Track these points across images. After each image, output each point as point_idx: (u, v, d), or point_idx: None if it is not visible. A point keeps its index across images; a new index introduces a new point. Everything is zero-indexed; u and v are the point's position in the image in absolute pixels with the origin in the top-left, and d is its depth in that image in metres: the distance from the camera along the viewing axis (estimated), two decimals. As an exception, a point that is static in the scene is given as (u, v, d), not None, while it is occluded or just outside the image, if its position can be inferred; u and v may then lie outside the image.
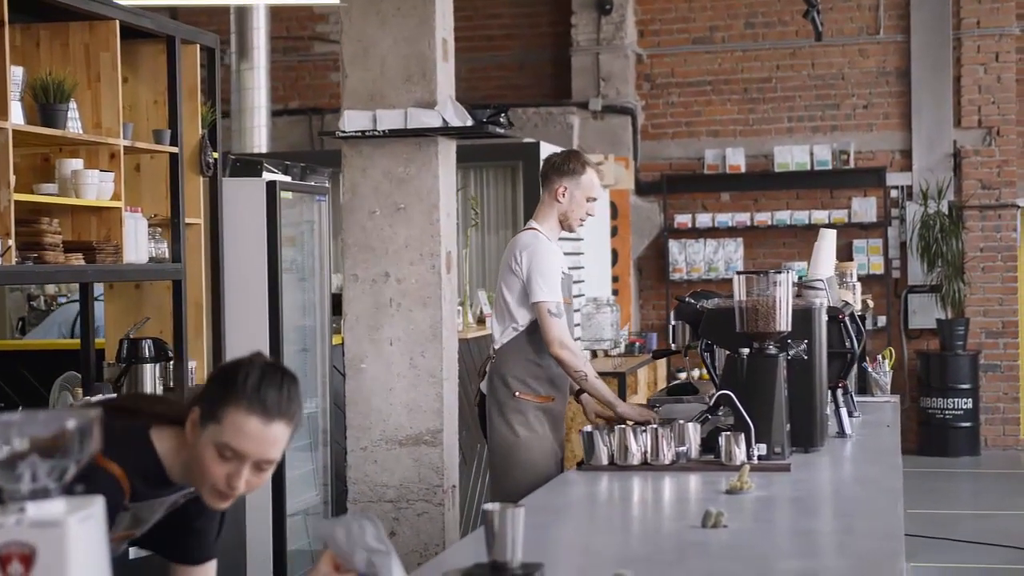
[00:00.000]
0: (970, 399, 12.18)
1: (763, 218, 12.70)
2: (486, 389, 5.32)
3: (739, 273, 4.45)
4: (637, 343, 10.78)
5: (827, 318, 4.77)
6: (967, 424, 12.20)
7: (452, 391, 5.98)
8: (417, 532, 5.75)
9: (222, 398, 2.57)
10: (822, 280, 5.12)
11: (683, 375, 12.09)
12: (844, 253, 12.33)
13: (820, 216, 12.51)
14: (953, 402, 12.16)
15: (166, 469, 2.66)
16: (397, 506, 5.80)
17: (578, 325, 9.70)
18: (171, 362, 5.49)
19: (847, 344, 4.99)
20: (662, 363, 10.92)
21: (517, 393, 5.17)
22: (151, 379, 5.34)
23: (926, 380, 12.29)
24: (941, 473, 11.56)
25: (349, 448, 5.81)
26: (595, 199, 5.33)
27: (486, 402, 5.31)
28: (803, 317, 4.53)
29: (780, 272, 4.40)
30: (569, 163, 5.29)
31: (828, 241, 5.50)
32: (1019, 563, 8.16)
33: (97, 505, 1.78)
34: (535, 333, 5.16)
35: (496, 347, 5.28)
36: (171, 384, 5.52)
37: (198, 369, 5.77)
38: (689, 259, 12.86)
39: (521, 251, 5.18)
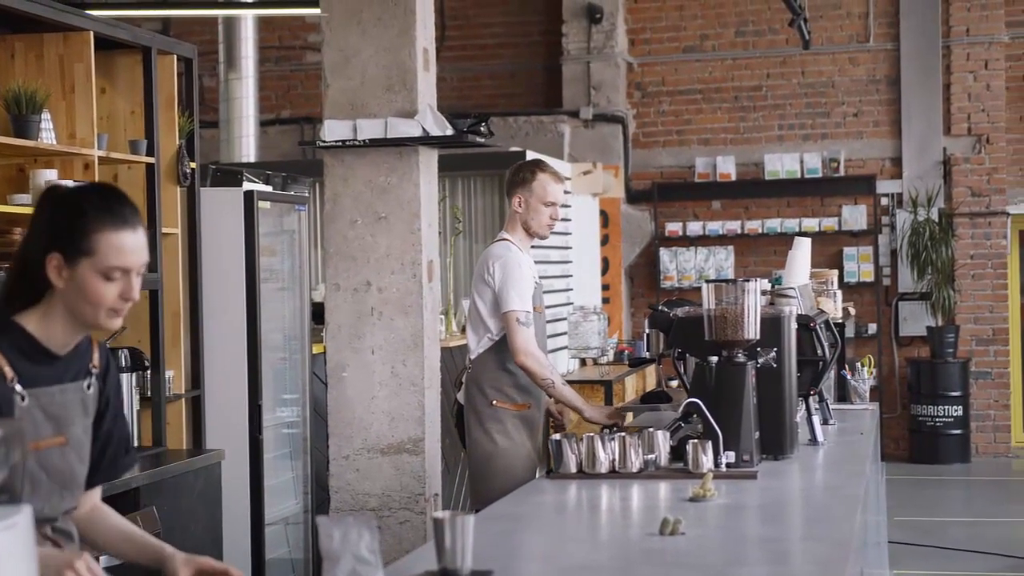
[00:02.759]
0: (960, 406, 12.19)
1: (754, 226, 12.72)
2: (463, 399, 5.36)
3: (708, 281, 4.47)
4: (627, 351, 10.78)
5: (798, 326, 4.79)
6: (958, 431, 12.21)
7: (434, 400, 5.99)
8: (399, 540, 5.75)
9: (83, 233, 2.63)
10: (794, 288, 5.13)
11: (675, 383, 12.09)
12: (834, 261, 12.35)
13: (810, 224, 12.52)
14: (943, 409, 12.16)
15: (42, 342, 2.68)
16: (379, 514, 5.81)
17: (563, 334, 9.73)
18: (148, 371, 5.51)
19: (819, 352, 5.00)
20: (651, 371, 10.92)
21: (494, 402, 5.25)
22: (128, 388, 5.35)
23: (916, 387, 12.29)
24: (931, 480, 11.57)
25: (331, 456, 5.82)
26: (553, 203, 5.37)
27: (464, 411, 5.35)
28: (772, 325, 4.54)
29: (749, 280, 4.42)
30: (520, 173, 5.39)
31: (802, 250, 5.52)
32: (1008, 570, 8.17)
33: (23, 514, 1.79)
34: None
35: (472, 357, 5.37)
36: (148, 394, 5.54)
37: (175, 379, 5.78)
38: (680, 267, 12.87)
39: (493, 262, 5.26)
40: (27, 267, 2.69)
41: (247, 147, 10.55)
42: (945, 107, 12.56)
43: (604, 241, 12.33)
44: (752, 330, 4.39)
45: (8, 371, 2.62)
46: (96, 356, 2.81)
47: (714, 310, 4.41)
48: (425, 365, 5.87)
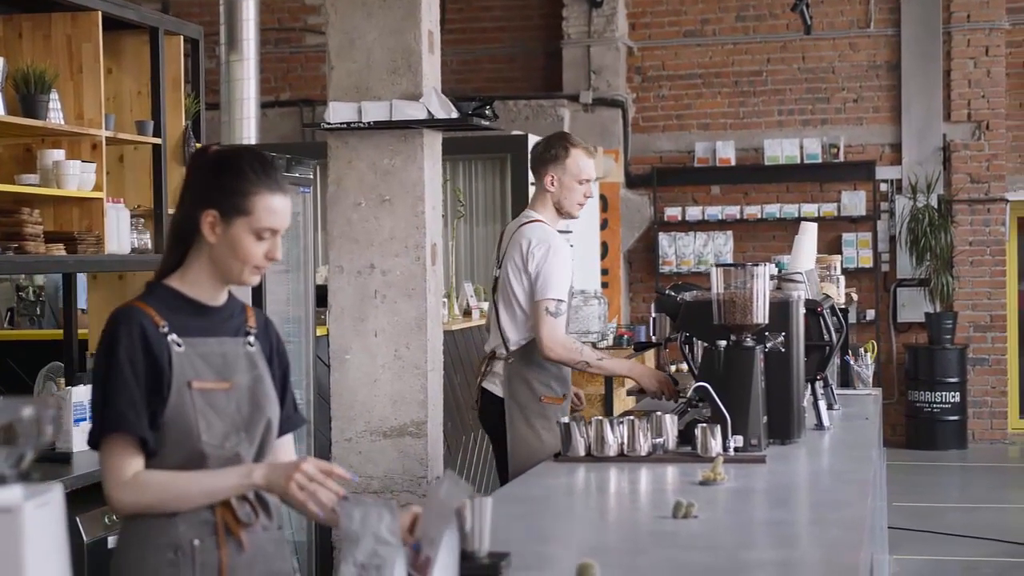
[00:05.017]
0: (958, 393, 12.22)
1: (753, 211, 12.73)
2: (505, 393, 5.15)
3: (717, 266, 4.46)
4: (626, 336, 10.79)
5: (805, 311, 4.79)
6: (955, 418, 12.24)
7: (437, 383, 5.99)
8: (401, 523, 5.76)
9: (241, 194, 2.80)
10: (801, 273, 5.13)
11: (673, 368, 12.11)
12: (833, 246, 12.36)
13: (810, 209, 12.53)
14: (941, 395, 12.19)
15: (189, 295, 2.85)
16: (382, 497, 5.81)
17: (564, 317, 9.72)
18: (154, 352, 5.49)
19: (825, 337, 5.00)
20: (651, 355, 10.94)
21: (543, 398, 5.07)
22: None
23: (914, 373, 12.32)
24: (928, 466, 11.60)
25: (333, 439, 5.82)
26: (587, 180, 5.15)
27: (506, 405, 5.14)
28: (781, 310, 4.53)
29: (758, 265, 4.42)
30: (551, 148, 5.15)
31: (809, 235, 5.52)
32: (1004, 556, 8.20)
33: (55, 492, 1.79)
34: None
35: (511, 347, 5.13)
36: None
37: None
38: (679, 252, 12.88)
39: (534, 246, 5.03)
40: (179, 228, 2.87)
41: (248, 129, 10.46)
42: (945, 93, 12.57)
43: (603, 225, 12.33)
44: (761, 314, 4.39)
45: (160, 320, 2.79)
46: (252, 318, 2.96)
47: (723, 294, 4.41)
48: (428, 348, 5.87)
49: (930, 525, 8.95)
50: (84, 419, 4.81)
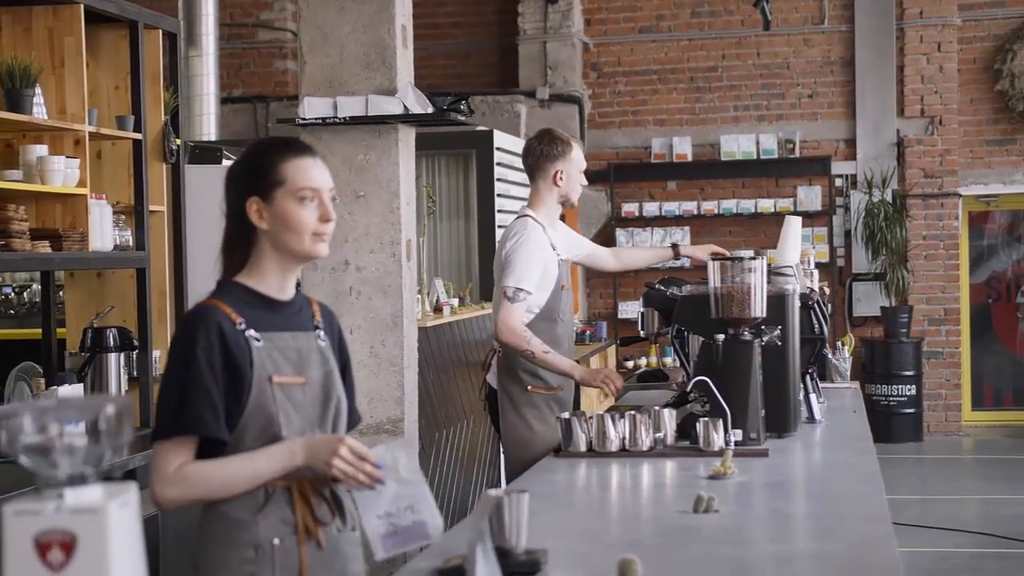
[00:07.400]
0: (913, 386, 12.33)
1: (710, 207, 12.77)
2: (496, 384, 5.21)
3: (714, 259, 4.46)
4: (587, 332, 10.81)
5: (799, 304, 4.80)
6: (910, 410, 12.35)
7: (412, 380, 5.97)
8: (378, 520, 5.71)
9: (270, 168, 2.82)
10: (791, 266, 5.15)
11: (630, 363, 12.14)
12: (790, 241, 12.41)
13: (766, 204, 12.60)
14: (897, 388, 12.30)
15: (260, 291, 2.84)
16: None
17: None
18: (135, 351, 5.42)
19: (816, 329, 5.02)
20: (612, 351, 10.96)
21: (529, 387, 5.13)
22: (115, 368, 5.27)
23: (870, 367, 12.42)
24: (885, 459, 11.58)
25: (310, 437, 5.76)
26: (584, 169, 5.37)
27: (498, 397, 5.20)
28: (777, 303, 4.54)
29: (755, 258, 4.42)
30: (555, 146, 5.25)
31: (794, 228, 5.53)
32: (966, 547, 8.28)
33: (132, 492, 1.76)
34: (541, 324, 5.08)
35: (501, 340, 5.14)
36: (135, 373, 5.45)
37: (162, 358, 5.69)
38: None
39: (510, 238, 5.14)
40: (232, 232, 2.86)
41: (208, 125, 10.39)
42: (899, 89, 12.67)
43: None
44: (759, 308, 4.39)
45: (236, 317, 2.78)
46: (317, 312, 2.95)
47: (720, 288, 4.41)
48: (404, 345, 5.85)
49: (892, 517, 9.01)
50: (71, 419, 4.72)
